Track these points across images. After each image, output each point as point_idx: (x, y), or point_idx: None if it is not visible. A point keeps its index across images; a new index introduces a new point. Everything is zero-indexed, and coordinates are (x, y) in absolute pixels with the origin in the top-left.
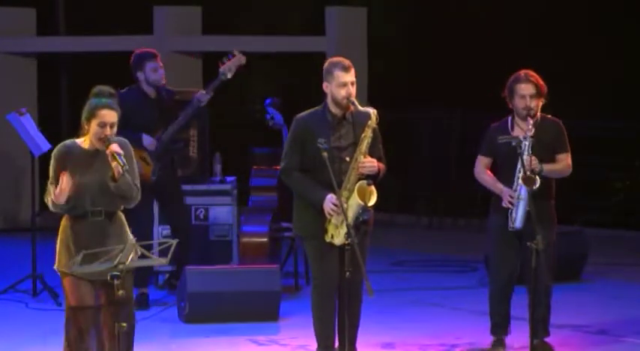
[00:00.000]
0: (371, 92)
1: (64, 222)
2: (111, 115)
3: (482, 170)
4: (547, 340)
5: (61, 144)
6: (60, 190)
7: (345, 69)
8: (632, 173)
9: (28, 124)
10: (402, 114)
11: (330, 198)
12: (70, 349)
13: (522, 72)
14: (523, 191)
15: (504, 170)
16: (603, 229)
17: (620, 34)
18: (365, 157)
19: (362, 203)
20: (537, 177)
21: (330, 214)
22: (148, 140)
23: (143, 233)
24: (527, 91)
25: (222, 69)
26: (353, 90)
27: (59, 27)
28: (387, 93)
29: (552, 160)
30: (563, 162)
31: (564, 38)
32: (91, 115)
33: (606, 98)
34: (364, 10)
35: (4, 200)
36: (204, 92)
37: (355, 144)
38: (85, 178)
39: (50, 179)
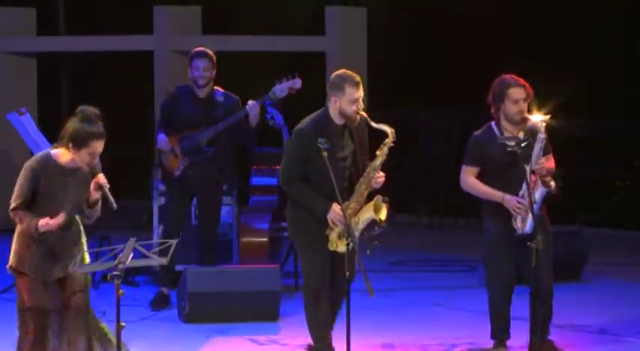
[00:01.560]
0: (371, 92)
1: None
2: (102, 145)
3: (473, 180)
4: (550, 339)
5: (39, 157)
6: (47, 225)
7: (357, 85)
8: (632, 173)
9: (28, 124)
10: (402, 113)
11: (337, 208)
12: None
13: (508, 76)
14: (540, 194)
15: (496, 178)
16: (603, 228)
17: (620, 32)
18: (377, 172)
19: (375, 218)
20: (551, 178)
21: (334, 223)
22: (161, 139)
23: (173, 228)
24: (520, 96)
25: (275, 88)
26: (361, 104)
27: (59, 27)
28: (386, 92)
29: None
30: (550, 163)
31: (563, 37)
32: (83, 144)
33: (606, 97)
34: (364, 9)
35: (4, 200)
36: (253, 103)
37: (354, 152)
38: (59, 194)
39: (21, 191)
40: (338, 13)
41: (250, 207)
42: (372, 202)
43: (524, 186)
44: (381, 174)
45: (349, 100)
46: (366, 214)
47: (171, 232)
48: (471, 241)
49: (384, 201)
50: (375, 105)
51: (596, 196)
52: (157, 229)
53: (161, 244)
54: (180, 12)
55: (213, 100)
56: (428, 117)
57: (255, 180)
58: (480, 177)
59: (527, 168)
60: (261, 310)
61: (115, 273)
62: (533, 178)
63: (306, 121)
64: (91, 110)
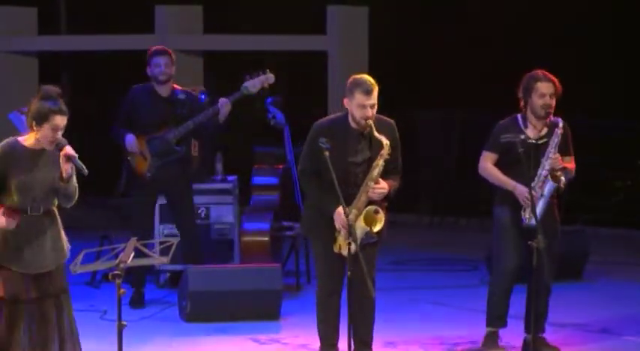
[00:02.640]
0: None
1: None
2: (63, 120)
3: (490, 166)
4: (543, 335)
5: (4, 143)
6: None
7: (367, 92)
8: (633, 173)
9: None
10: (403, 113)
11: (342, 211)
12: None
13: (540, 71)
14: (548, 188)
15: (513, 168)
16: (604, 228)
17: (623, 33)
18: (376, 183)
19: (367, 229)
20: (562, 174)
21: (340, 228)
22: (129, 140)
23: (144, 230)
24: (547, 90)
25: (246, 83)
26: (372, 112)
27: (60, 26)
28: (388, 92)
29: None
30: (572, 164)
31: (566, 38)
32: (44, 119)
33: (608, 97)
34: (365, 9)
35: None
36: (224, 100)
37: (369, 160)
38: (29, 176)
39: None
40: (339, 12)
41: (252, 206)
42: (362, 214)
43: (536, 178)
44: (383, 185)
45: (357, 105)
46: (359, 225)
47: (142, 235)
48: (472, 241)
49: (375, 212)
50: (378, 105)
51: (597, 196)
52: (158, 228)
53: (162, 243)
54: (181, 11)
55: (175, 98)
56: (429, 117)
57: (257, 179)
58: (498, 165)
59: (543, 161)
60: (263, 309)
61: (116, 272)
62: (544, 173)
63: (325, 118)
64: (52, 89)
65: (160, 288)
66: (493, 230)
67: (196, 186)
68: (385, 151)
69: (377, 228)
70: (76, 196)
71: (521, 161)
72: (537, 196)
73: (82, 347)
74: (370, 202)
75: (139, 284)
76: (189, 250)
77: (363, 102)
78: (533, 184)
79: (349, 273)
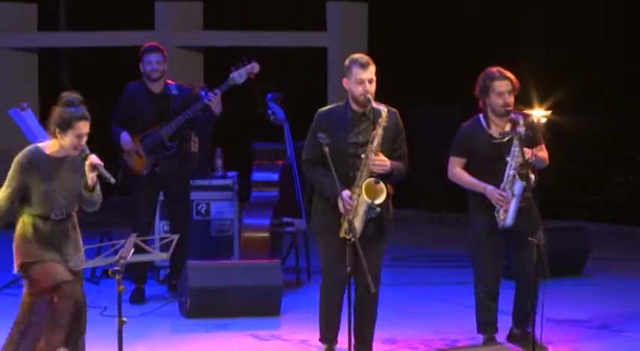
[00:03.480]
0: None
1: (25, 219)
2: (87, 126)
3: (459, 170)
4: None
5: (27, 151)
6: None
7: (363, 66)
8: (634, 168)
9: (30, 119)
10: (404, 109)
11: (346, 195)
12: (62, 335)
13: (494, 69)
14: (518, 187)
15: (481, 170)
16: (604, 224)
17: (623, 28)
18: (377, 155)
19: (369, 201)
20: (532, 173)
21: (344, 211)
22: (124, 138)
23: (144, 227)
24: (504, 88)
25: (233, 74)
26: (371, 87)
27: (60, 22)
28: (388, 88)
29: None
30: (544, 152)
31: (567, 32)
32: (68, 126)
33: (608, 93)
34: (365, 5)
35: None
36: (210, 94)
37: (372, 141)
38: (52, 184)
39: (7, 183)
40: (339, 8)
41: (251, 202)
42: (363, 187)
43: (505, 179)
44: (383, 158)
45: (356, 81)
46: (362, 200)
47: (141, 227)
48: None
49: (376, 182)
50: (378, 101)
51: (597, 192)
52: (158, 224)
53: (162, 239)
54: (181, 7)
55: (167, 94)
56: (429, 112)
57: (256, 175)
58: (467, 169)
59: (509, 161)
60: (263, 306)
61: (117, 268)
62: (512, 172)
63: (326, 107)
64: (74, 95)
65: (160, 284)
66: (470, 236)
67: (196, 182)
68: (383, 119)
69: (379, 200)
70: (100, 203)
71: (488, 161)
72: (508, 196)
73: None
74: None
75: (139, 280)
76: (176, 247)
77: (360, 76)
78: (502, 185)
79: (348, 268)
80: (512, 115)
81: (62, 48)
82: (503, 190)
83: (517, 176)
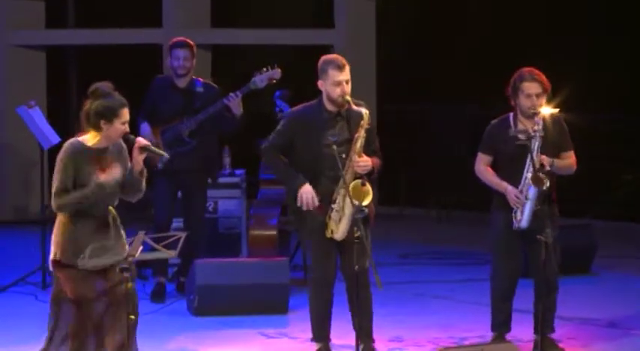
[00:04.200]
0: (381, 85)
1: (66, 215)
2: (128, 113)
3: (484, 168)
4: (553, 336)
5: (69, 144)
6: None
7: (340, 68)
8: None
9: (37, 117)
10: (412, 107)
11: (308, 188)
12: (74, 345)
13: (526, 70)
14: (531, 191)
15: (506, 169)
16: (612, 222)
17: (634, 25)
18: (360, 156)
19: (357, 203)
20: (546, 177)
21: (305, 205)
22: (144, 130)
23: (161, 222)
24: (533, 90)
25: (255, 78)
26: (348, 88)
27: (68, 20)
28: (396, 86)
29: (556, 158)
30: (569, 159)
31: (577, 31)
32: (114, 115)
33: (615, 90)
34: (373, 2)
35: (14, 193)
36: (232, 95)
37: (349, 140)
38: (95, 177)
39: (63, 180)
40: (347, 5)
41: (259, 200)
42: (350, 189)
43: (523, 181)
44: (366, 159)
45: (332, 83)
46: (349, 201)
47: (162, 222)
48: (480, 235)
49: (362, 184)
50: (385, 99)
51: (605, 190)
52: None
53: (170, 237)
54: (189, 5)
55: (192, 90)
56: (439, 111)
57: (264, 173)
58: (493, 167)
59: (527, 164)
60: (271, 303)
61: (125, 266)
62: (528, 175)
63: (297, 108)
64: (106, 84)
65: (168, 281)
66: (490, 234)
67: None
68: (365, 122)
69: (366, 201)
70: (144, 190)
71: (512, 161)
72: (523, 198)
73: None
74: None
75: (160, 273)
76: (187, 245)
77: (337, 78)
78: (520, 187)
79: (356, 267)
80: (537, 121)
81: (70, 46)
82: (521, 191)
83: (531, 181)
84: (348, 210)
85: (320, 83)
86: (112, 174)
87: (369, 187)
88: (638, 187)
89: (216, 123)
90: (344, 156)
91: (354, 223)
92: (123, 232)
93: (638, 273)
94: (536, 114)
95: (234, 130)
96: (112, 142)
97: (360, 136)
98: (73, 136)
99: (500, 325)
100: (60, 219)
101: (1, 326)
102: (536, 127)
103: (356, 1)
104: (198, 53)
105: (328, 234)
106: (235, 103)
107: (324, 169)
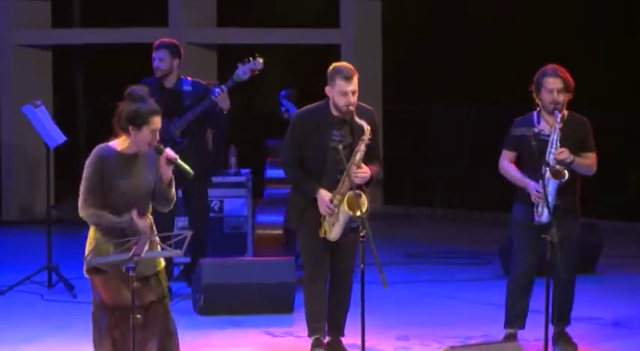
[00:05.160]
0: (386, 85)
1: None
2: (160, 121)
3: (507, 164)
4: (566, 329)
5: (97, 150)
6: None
7: (347, 78)
8: None
9: (43, 116)
10: (418, 107)
11: (325, 196)
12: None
13: (550, 66)
14: (552, 185)
15: (529, 165)
16: (618, 221)
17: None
18: (359, 167)
19: (350, 213)
20: (565, 170)
21: (324, 212)
22: None
23: (164, 222)
24: (554, 86)
25: (238, 70)
26: (354, 99)
27: (74, 19)
28: (402, 86)
29: (577, 156)
30: (591, 160)
31: (587, 30)
32: (144, 122)
33: (622, 90)
34: (379, 3)
35: (20, 192)
36: (218, 90)
37: (352, 146)
38: (125, 182)
39: (89, 186)
40: (353, 5)
41: (265, 199)
42: (345, 199)
43: (544, 175)
44: (365, 169)
45: (339, 92)
46: (343, 210)
47: (165, 223)
48: (486, 234)
49: (357, 196)
50: (391, 98)
51: (610, 190)
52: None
53: (176, 236)
54: (195, 4)
55: (180, 89)
56: (443, 110)
57: (270, 172)
58: (517, 163)
59: (546, 158)
60: (276, 302)
61: (131, 265)
62: (547, 169)
63: (305, 108)
64: (140, 88)
65: (173, 281)
66: (510, 231)
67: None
68: (366, 136)
69: (359, 212)
70: (174, 201)
71: (534, 156)
72: (541, 192)
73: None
74: (352, 187)
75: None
76: (192, 243)
77: (344, 88)
78: (541, 181)
79: (362, 266)
80: (556, 113)
81: (76, 45)
82: (541, 186)
83: (550, 174)
84: (342, 217)
85: (328, 90)
86: (127, 181)
87: (364, 198)
88: None
89: (206, 120)
90: (344, 161)
91: (348, 230)
92: (155, 241)
93: None
94: (557, 109)
95: (224, 125)
96: (141, 149)
97: (360, 149)
98: (79, 135)
99: (515, 319)
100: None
101: (8, 325)
102: (557, 121)
103: (362, 1)
104: (203, 53)
105: (322, 234)
106: (222, 97)
107: (329, 168)
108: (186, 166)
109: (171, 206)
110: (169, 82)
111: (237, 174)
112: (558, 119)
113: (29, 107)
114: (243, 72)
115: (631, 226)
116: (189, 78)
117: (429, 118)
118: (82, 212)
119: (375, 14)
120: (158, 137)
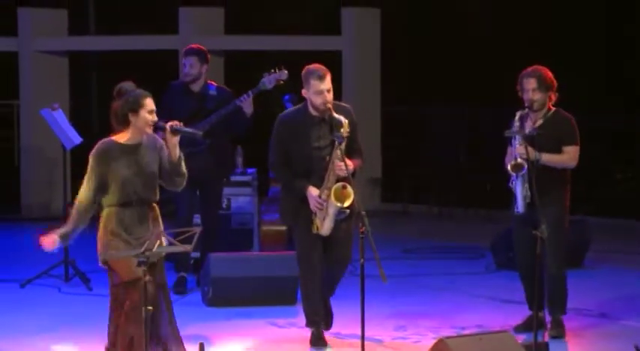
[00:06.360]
0: (384, 85)
1: (109, 211)
2: (152, 102)
3: (505, 161)
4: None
5: (100, 143)
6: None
7: (320, 78)
8: (633, 165)
9: (61, 119)
10: (414, 106)
11: (314, 192)
12: (125, 328)
13: (531, 67)
14: (514, 178)
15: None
16: (604, 217)
17: (624, 28)
18: (341, 160)
19: (339, 205)
20: (524, 164)
21: (314, 207)
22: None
23: (184, 219)
24: (529, 86)
25: (264, 79)
26: (329, 96)
27: (89, 27)
28: (399, 85)
29: (558, 152)
30: (568, 154)
31: (579, 32)
32: (139, 106)
33: (609, 90)
34: (378, 10)
35: (38, 191)
36: (244, 96)
37: (333, 143)
38: (129, 172)
39: (87, 179)
40: (353, 13)
41: (270, 197)
42: (332, 192)
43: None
44: (347, 162)
45: (315, 92)
46: (331, 203)
47: (184, 217)
48: (479, 230)
49: (343, 187)
50: (390, 100)
51: (598, 187)
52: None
53: (185, 232)
54: (203, 13)
55: (205, 93)
56: (440, 111)
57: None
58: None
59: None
60: (281, 295)
61: (142, 260)
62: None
63: (286, 111)
64: (127, 83)
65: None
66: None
67: None
68: (345, 129)
69: (347, 203)
70: (186, 176)
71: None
72: (512, 185)
73: (107, 332)
74: (338, 180)
75: (184, 269)
76: (203, 239)
77: (319, 87)
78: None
79: (361, 260)
80: (517, 113)
81: (91, 51)
82: (511, 178)
83: (509, 167)
84: (331, 210)
85: (304, 92)
86: (130, 170)
87: (350, 189)
88: (630, 185)
89: (228, 124)
90: (327, 158)
91: (338, 222)
92: (161, 232)
93: (629, 267)
94: (532, 108)
95: (245, 129)
96: (143, 134)
97: (340, 146)
98: (94, 136)
99: (530, 303)
100: (105, 213)
101: (27, 317)
102: (515, 119)
103: (362, 9)
104: (211, 59)
105: (314, 230)
106: (247, 103)
107: (315, 168)
108: (192, 130)
109: (184, 183)
110: (196, 86)
111: (243, 173)
112: (517, 117)
113: (47, 110)
114: (269, 81)
115: (618, 223)
116: (214, 83)
117: (425, 117)
118: (77, 207)
119: (374, 21)
120: (155, 117)
